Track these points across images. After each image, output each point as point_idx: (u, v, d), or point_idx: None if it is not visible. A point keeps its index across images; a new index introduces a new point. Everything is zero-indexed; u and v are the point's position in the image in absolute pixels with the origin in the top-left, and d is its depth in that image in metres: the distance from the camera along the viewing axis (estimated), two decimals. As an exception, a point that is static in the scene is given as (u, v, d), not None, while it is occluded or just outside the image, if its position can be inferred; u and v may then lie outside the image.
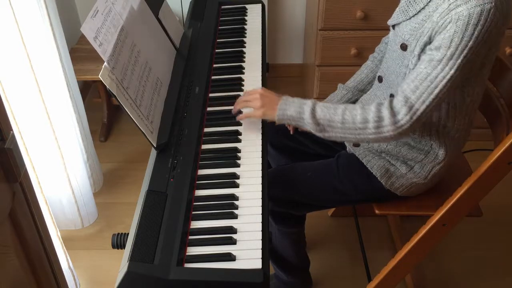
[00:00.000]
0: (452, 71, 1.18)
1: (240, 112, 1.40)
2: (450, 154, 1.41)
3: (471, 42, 1.16)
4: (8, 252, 0.98)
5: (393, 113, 1.24)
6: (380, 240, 2.05)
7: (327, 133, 1.30)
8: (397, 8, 1.36)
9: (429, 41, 1.23)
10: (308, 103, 1.31)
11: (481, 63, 1.25)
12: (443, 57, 1.18)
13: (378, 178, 1.45)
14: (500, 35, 1.21)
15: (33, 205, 1.06)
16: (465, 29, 1.15)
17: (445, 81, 1.20)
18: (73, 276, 1.84)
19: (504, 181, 1.37)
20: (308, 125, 1.31)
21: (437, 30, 1.20)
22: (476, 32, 1.15)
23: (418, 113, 1.23)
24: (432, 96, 1.21)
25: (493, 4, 1.13)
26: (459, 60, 1.17)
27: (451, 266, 1.95)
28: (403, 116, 1.23)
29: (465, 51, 1.16)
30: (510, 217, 2.13)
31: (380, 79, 1.46)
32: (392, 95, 1.40)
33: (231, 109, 1.44)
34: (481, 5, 1.13)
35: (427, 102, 1.22)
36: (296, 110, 1.31)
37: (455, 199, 1.37)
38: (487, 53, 1.23)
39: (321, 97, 2.32)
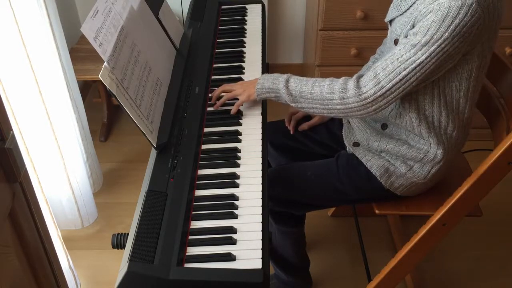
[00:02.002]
0: (423, 57, 1.21)
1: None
2: (449, 153, 1.41)
3: (446, 34, 1.17)
4: (8, 252, 0.98)
5: (359, 85, 1.28)
6: (380, 240, 2.05)
7: (300, 103, 1.36)
8: (391, 4, 1.37)
9: (412, 28, 1.25)
10: (283, 76, 1.39)
11: (463, 58, 1.26)
12: (417, 43, 1.21)
13: (378, 177, 1.45)
14: (486, 32, 1.21)
15: (33, 205, 1.06)
16: (443, 20, 1.17)
17: (414, 65, 1.22)
18: (73, 276, 1.85)
19: (504, 181, 1.37)
20: (283, 96, 1.37)
21: (419, 18, 1.22)
22: (453, 25, 1.16)
23: (383, 90, 1.25)
24: (399, 77, 1.24)
25: (475, 0, 1.14)
26: (432, 48, 1.19)
27: (451, 266, 1.95)
28: (367, 89, 1.26)
29: (439, 41, 1.18)
30: (510, 217, 2.13)
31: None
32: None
33: (231, 109, 1.44)
34: None
35: (393, 81, 1.24)
36: (272, 82, 1.38)
37: (455, 199, 1.37)
38: (471, 49, 1.24)
39: (321, 97, 2.32)
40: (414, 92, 1.32)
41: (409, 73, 1.23)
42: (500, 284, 1.90)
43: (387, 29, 1.44)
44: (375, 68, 1.27)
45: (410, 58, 1.22)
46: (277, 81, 1.38)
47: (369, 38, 2.20)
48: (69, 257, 1.81)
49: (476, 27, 1.18)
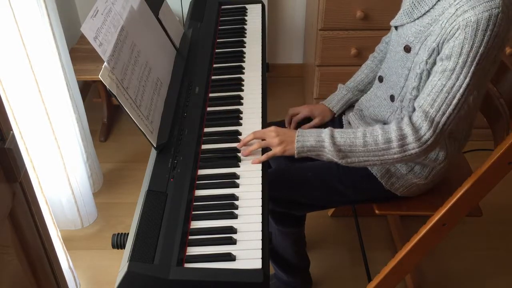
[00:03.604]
0: (468, 79, 1.18)
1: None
2: (451, 155, 1.41)
3: (481, 48, 1.15)
4: (8, 252, 0.98)
5: (415, 129, 1.23)
6: (380, 240, 2.05)
7: (350, 158, 1.29)
8: (401, 9, 1.35)
9: (438, 48, 1.22)
10: (326, 131, 1.29)
11: (489, 67, 1.25)
12: (456, 66, 1.17)
13: (378, 178, 1.45)
14: (506, 39, 1.21)
15: (33, 205, 1.06)
16: (475, 35, 1.14)
17: (462, 90, 1.19)
18: (73, 276, 1.84)
19: (504, 181, 1.37)
20: (329, 153, 1.29)
21: (446, 37, 1.19)
22: (486, 38, 1.14)
23: (440, 125, 1.22)
24: (451, 107, 1.21)
25: (500, 8, 1.13)
26: (473, 67, 1.17)
27: (451, 266, 1.95)
28: (425, 131, 1.22)
29: (477, 58, 1.16)
30: (510, 217, 2.13)
31: (381, 79, 1.46)
32: (392, 96, 1.40)
33: (231, 110, 1.44)
34: (489, 10, 1.13)
35: (447, 114, 1.21)
36: (315, 140, 1.29)
37: (455, 199, 1.37)
38: (495, 56, 1.23)
39: (321, 97, 2.32)
40: None
41: (459, 99, 1.20)
42: (500, 284, 1.90)
43: (388, 29, 1.44)
44: (422, 107, 1.22)
45: (455, 84, 1.19)
46: (320, 138, 1.29)
47: (369, 38, 2.19)
48: (69, 257, 1.81)
49: (504, 35, 1.17)
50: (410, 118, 1.25)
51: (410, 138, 1.23)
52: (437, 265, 1.96)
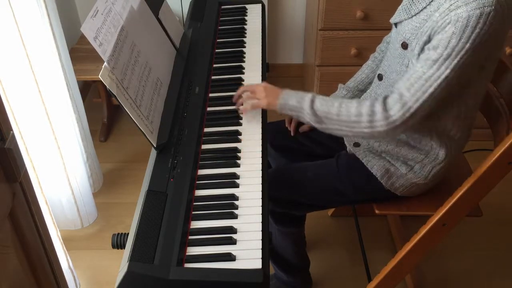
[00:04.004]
0: (448, 71, 1.19)
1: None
2: (451, 154, 1.41)
3: (468, 44, 1.16)
4: (8, 252, 0.98)
5: (386, 109, 1.25)
6: (380, 240, 2.05)
7: (325, 124, 1.33)
8: (400, 6, 1.36)
9: (428, 41, 1.23)
10: (308, 95, 1.34)
11: (480, 65, 1.25)
12: (440, 57, 1.19)
13: (378, 178, 1.45)
14: (501, 38, 1.21)
15: (33, 205, 1.06)
16: (463, 31, 1.15)
17: (439, 81, 1.20)
18: (73, 276, 1.84)
19: (504, 181, 1.37)
20: (307, 116, 1.34)
21: (436, 30, 1.20)
22: (473, 35, 1.15)
23: (412, 110, 1.23)
24: (426, 95, 1.22)
25: (493, 7, 1.13)
26: (455, 61, 1.18)
27: (451, 266, 1.95)
28: (395, 112, 1.24)
29: (462, 53, 1.17)
30: (510, 217, 2.13)
31: (381, 77, 1.46)
32: (391, 94, 1.40)
33: (231, 109, 1.44)
34: (481, 7, 1.13)
35: (420, 101, 1.22)
36: (297, 101, 1.34)
37: (455, 199, 1.37)
38: (488, 55, 1.23)
39: (321, 97, 2.32)
40: None
41: (435, 89, 1.21)
42: (500, 284, 1.90)
43: (388, 29, 1.44)
44: (400, 89, 1.25)
45: (434, 74, 1.20)
46: (302, 100, 1.34)
47: (369, 38, 2.20)
48: (68, 257, 1.81)
49: (495, 34, 1.17)
50: (385, 97, 1.27)
51: (379, 115, 1.26)
52: (437, 265, 1.96)
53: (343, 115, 1.30)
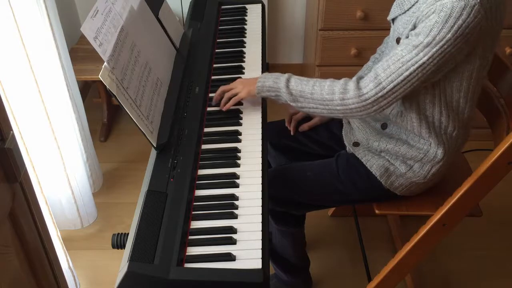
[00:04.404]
0: (425, 58, 1.20)
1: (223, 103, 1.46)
2: (449, 153, 1.41)
3: (449, 35, 1.17)
4: (8, 252, 0.98)
5: (359, 86, 1.27)
6: (380, 240, 2.05)
7: (300, 103, 1.36)
8: (394, 2, 1.37)
9: (413, 28, 1.24)
10: (284, 75, 1.39)
11: (465, 59, 1.25)
12: (420, 44, 1.20)
13: (378, 177, 1.45)
14: (489, 33, 1.21)
15: (33, 205, 1.06)
16: (445, 21, 1.16)
17: (416, 66, 1.21)
18: (73, 276, 1.84)
19: (504, 181, 1.37)
20: (283, 95, 1.37)
21: (421, 18, 1.22)
22: (455, 26, 1.16)
23: (385, 91, 1.25)
24: (400, 78, 1.23)
25: (478, 1, 1.14)
26: (434, 49, 1.19)
27: (451, 266, 1.95)
28: (368, 91, 1.26)
29: (442, 42, 1.18)
30: (510, 217, 2.13)
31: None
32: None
33: (231, 109, 1.44)
34: (466, 0, 1.14)
35: (394, 82, 1.24)
36: (273, 81, 1.38)
37: (455, 199, 1.37)
38: (473, 50, 1.23)
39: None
40: (415, 92, 1.32)
41: (410, 74, 1.22)
42: (500, 284, 1.90)
43: (388, 28, 1.44)
44: (376, 69, 1.27)
45: (412, 58, 1.21)
46: (278, 80, 1.38)
47: (369, 38, 2.20)
48: (68, 257, 1.81)
49: (479, 28, 1.17)
50: (359, 77, 1.30)
51: (352, 93, 1.28)
52: (437, 265, 1.96)
53: (317, 93, 1.32)
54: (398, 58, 1.23)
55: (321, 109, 1.34)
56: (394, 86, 1.24)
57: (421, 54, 1.20)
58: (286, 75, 1.39)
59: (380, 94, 1.26)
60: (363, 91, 1.27)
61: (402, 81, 1.23)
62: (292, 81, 1.37)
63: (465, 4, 1.14)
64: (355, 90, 1.28)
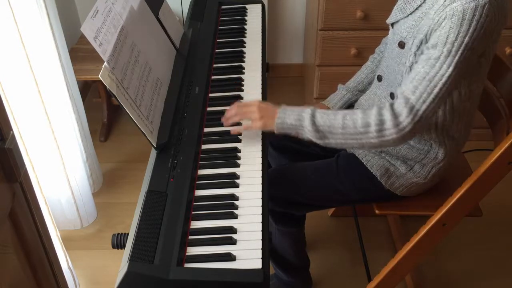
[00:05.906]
0: (451, 69, 1.18)
1: (236, 124, 1.37)
2: (450, 154, 1.41)
3: (466, 38, 1.15)
4: (8, 252, 0.98)
5: (395, 115, 1.22)
6: (380, 240, 2.05)
7: (328, 139, 1.28)
8: (395, 6, 1.36)
9: (425, 39, 1.23)
10: (307, 110, 1.28)
11: (478, 61, 1.25)
12: (440, 55, 1.18)
13: (378, 177, 1.45)
14: (496, 32, 1.21)
15: (33, 205, 1.06)
16: (460, 25, 1.15)
17: (444, 79, 1.19)
18: (73, 276, 1.84)
19: (504, 181, 1.37)
20: (308, 133, 1.28)
21: (433, 27, 1.20)
22: (471, 28, 1.14)
23: (420, 113, 1.21)
24: (432, 96, 1.20)
25: (488, 0, 1.14)
26: (456, 58, 1.17)
27: (451, 266, 1.95)
28: (404, 118, 1.21)
29: (462, 48, 1.16)
30: (510, 217, 2.13)
31: (380, 78, 1.46)
32: (392, 94, 1.40)
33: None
34: (475, 0, 1.13)
35: (427, 102, 1.20)
36: (295, 118, 1.28)
37: (455, 199, 1.37)
38: (484, 51, 1.23)
39: (321, 97, 2.32)
40: None
41: (440, 89, 1.19)
42: (500, 284, 1.90)
43: (387, 29, 1.44)
44: (404, 93, 1.22)
45: (438, 73, 1.18)
46: (301, 117, 1.27)
47: (369, 38, 2.20)
48: (68, 257, 1.81)
49: (491, 27, 1.17)
50: (391, 104, 1.24)
51: (389, 123, 1.22)
52: (437, 265, 1.96)
53: (349, 127, 1.25)
54: (423, 76, 1.20)
55: (350, 143, 1.27)
56: (427, 106, 1.20)
57: (445, 66, 1.18)
58: (309, 110, 1.28)
59: (416, 119, 1.21)
60: (400, 120, 1.21)
61: (434, 98, 1.20)
62: (318, 116, 1.27)
63: (475, 5, 1.13)
64: (392, 120, 1.21)
